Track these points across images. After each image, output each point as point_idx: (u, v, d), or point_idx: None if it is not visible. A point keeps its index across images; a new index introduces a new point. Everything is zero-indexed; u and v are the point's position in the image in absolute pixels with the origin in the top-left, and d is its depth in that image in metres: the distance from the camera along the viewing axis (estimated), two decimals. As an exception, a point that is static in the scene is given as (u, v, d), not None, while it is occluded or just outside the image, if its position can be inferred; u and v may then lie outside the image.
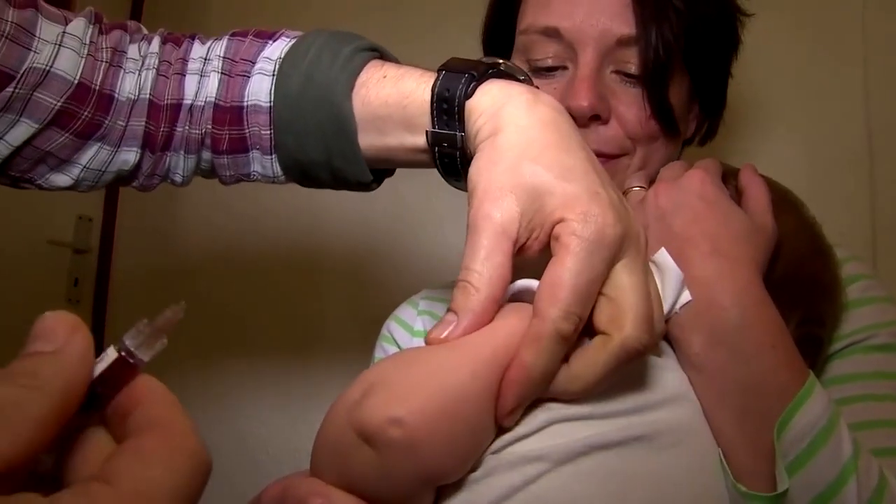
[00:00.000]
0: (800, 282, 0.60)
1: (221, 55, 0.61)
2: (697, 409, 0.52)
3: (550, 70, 0.69)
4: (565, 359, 0.43)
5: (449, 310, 0.43)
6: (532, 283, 0.44)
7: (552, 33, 0.67)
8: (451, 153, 0.51)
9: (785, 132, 1.12)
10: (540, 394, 0.43)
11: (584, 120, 0.66)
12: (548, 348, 0.40)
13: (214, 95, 0.60)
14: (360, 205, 1.13)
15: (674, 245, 0.55)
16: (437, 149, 0.52)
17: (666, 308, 0.51)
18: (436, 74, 0.52)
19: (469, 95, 0.50)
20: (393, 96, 0.53)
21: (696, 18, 0.68)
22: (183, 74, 0.62)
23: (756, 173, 0.62)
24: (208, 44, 0.63)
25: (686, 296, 0.53)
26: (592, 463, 0.45)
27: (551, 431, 0.46)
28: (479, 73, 0.51)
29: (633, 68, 0.67)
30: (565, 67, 0.69)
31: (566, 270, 0.41)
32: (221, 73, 0.61)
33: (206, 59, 0.62)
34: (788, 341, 0.52)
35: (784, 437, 0.49)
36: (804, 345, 0.58)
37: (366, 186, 0.60)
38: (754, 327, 0.51)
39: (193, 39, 0.64)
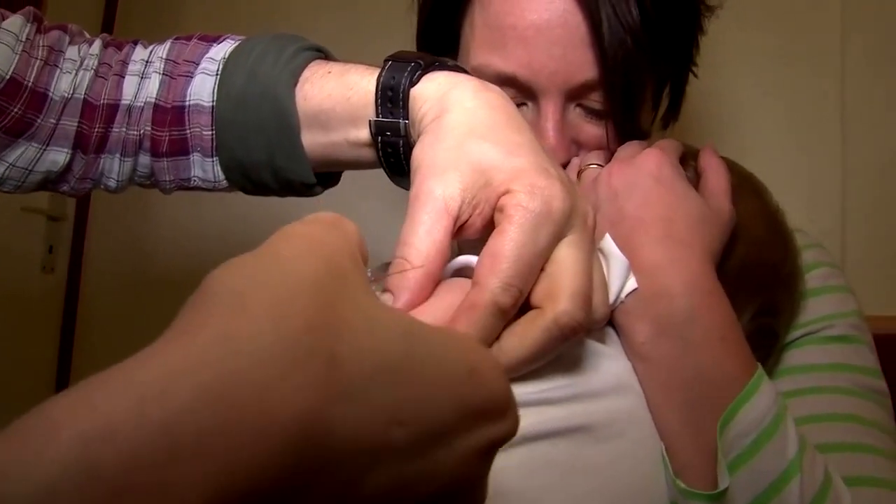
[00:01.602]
0: (758, 270, 0.58)
1: (164, 57, 0.60)
2: (641, 400, 0.50)
3: None
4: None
5: (384, 290, 0.42)
6: (473, 259, 0.42)
7: (507, 81, 0.61)
8: (394, 142, 0.50)
9: (756, 115, 1.10)
10: None
11: None
12: (482, 319, 0.38)
13: (155, 96, 0.59)
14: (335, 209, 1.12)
15: (624, 227, 0.53)
16: (380, 139, 0.51)
17: (612, 297, 0.50)
18: (381, 66, 0.51)
19: (414, 83, 0.49)
20: (337, 89, 0.52)
21: (662, 42, 0.61)
22: (122, 76, 0.60)
23: (716, 155, 0.60)
24: (151, 47, 0.62)
25: (632, 283, 0.51)
26: (527, 453, 0.44)
27: None
28: (426, 63, 0.50)
29: (598, 106, 0.62)
30: (525, 104, 0.63)
31: (509, 241, 0.39)
32: (163, 74, 0.59)
33: (147, 62, 0.60)
34: (738, 333, 0.51)
35: (728, 432, 0.48)
36: (759, 336, 0.57)
37: (309, 189, 0.58)
38: (703, 318, 0.50)
39: (136, 44, 0.63)
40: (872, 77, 1.05)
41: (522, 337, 0.40)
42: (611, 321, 0.53)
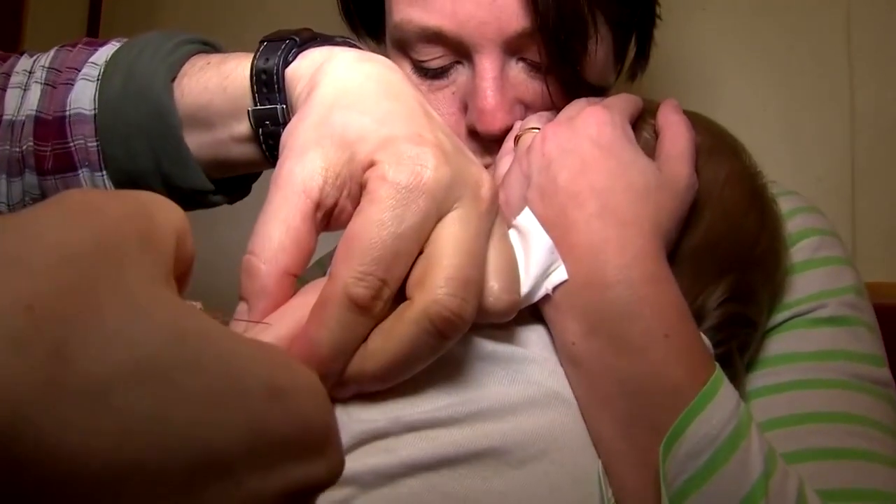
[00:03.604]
0: (726, 244, 0.49)
1: (46, 66, 0.54)
2: (573, 412, 0.42)
3: (442, 71, 0.55)
4: None
5: (240, 298, 0.34)
6: None
7: (433, 37, 0.53)
8: (275, 133, 0.44)
9: (761, 72, 0.98)
10: (334, 383, 0.34)
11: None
12: (335, 317, 0.31)
13: (35, 108, 0.53)
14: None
15: (556, 202, 0.44)
16: (261, 130, 0.45)
17: (528, 284, 0.41)
18: (256, 48, 0.46)
19: (289, 63, 0.44)
20: (213, 80, 0.47)
21: None
22: (4, 89, 0.55)
23: (677, 111, 0.51)
24: (35, 56, 0.56)
25: (562, 272, 0.43)
26: (418, 485, 0.37)
27: (364, 451, 0.37)
28: (302, 40, 0.45)
29: (539, 57, 0.53)
30: (459, 62, 0.55)
31: (366, 221, 0.32)
32: (45, 83, 0.53)
33: (29, 72, 0.55)
34: (689, 329, 0.42)
35: (675, 452, 0.39)
36: (730, 325, 0.48)
37: (207, 198, 0.51)
38: (643, 311, 0.41)
39: (22, 54, 0.57)
40: (882, 22, 0.93)
41: (388, 336, 0.33)
42: (543, 318, 0.45)
